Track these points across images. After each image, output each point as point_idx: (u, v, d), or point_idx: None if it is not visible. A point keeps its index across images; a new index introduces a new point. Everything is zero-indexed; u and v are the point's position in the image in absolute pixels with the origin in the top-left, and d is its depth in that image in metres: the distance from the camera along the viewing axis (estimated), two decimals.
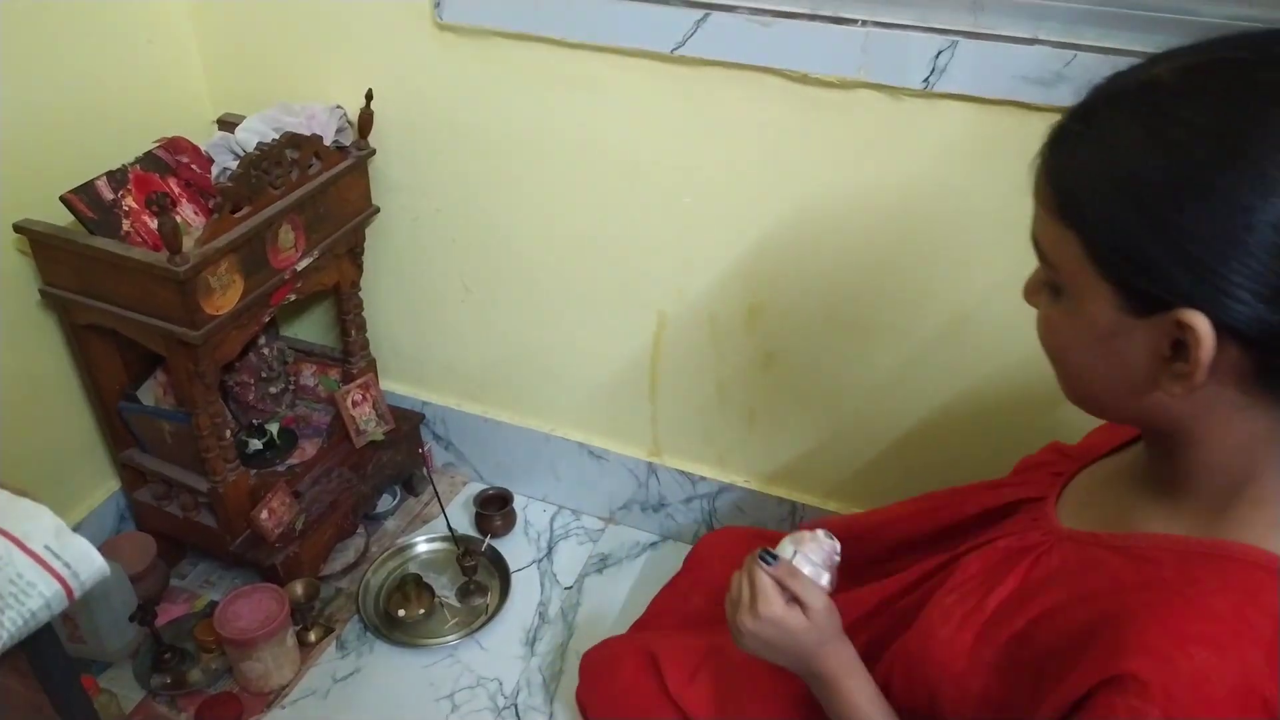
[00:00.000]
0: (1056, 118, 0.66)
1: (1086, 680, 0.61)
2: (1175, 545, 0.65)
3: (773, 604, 0.83)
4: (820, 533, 0.88)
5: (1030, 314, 0.72)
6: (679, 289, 1.46)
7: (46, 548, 0.72)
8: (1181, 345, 0.59)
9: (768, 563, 0.84)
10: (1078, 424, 0.85)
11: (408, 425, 1.72)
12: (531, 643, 1.55)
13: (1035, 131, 0.67)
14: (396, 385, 1.77)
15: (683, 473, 1.64)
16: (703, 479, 1.63)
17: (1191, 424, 0.64)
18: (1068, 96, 0.68)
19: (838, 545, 0.88)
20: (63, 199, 1.26)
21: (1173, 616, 0.59)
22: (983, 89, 1.10)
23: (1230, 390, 0.61)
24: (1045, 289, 0.68)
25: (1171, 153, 0.57)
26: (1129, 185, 0.59)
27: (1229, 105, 0.57)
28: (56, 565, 0.72)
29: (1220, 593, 0.60)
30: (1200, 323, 0.57)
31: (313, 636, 1.52)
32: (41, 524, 0.74)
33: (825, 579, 0.86)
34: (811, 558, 0.86)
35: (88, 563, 0.72)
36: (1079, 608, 0.66)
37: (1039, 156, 0.65)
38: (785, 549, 0.87)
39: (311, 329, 1.77)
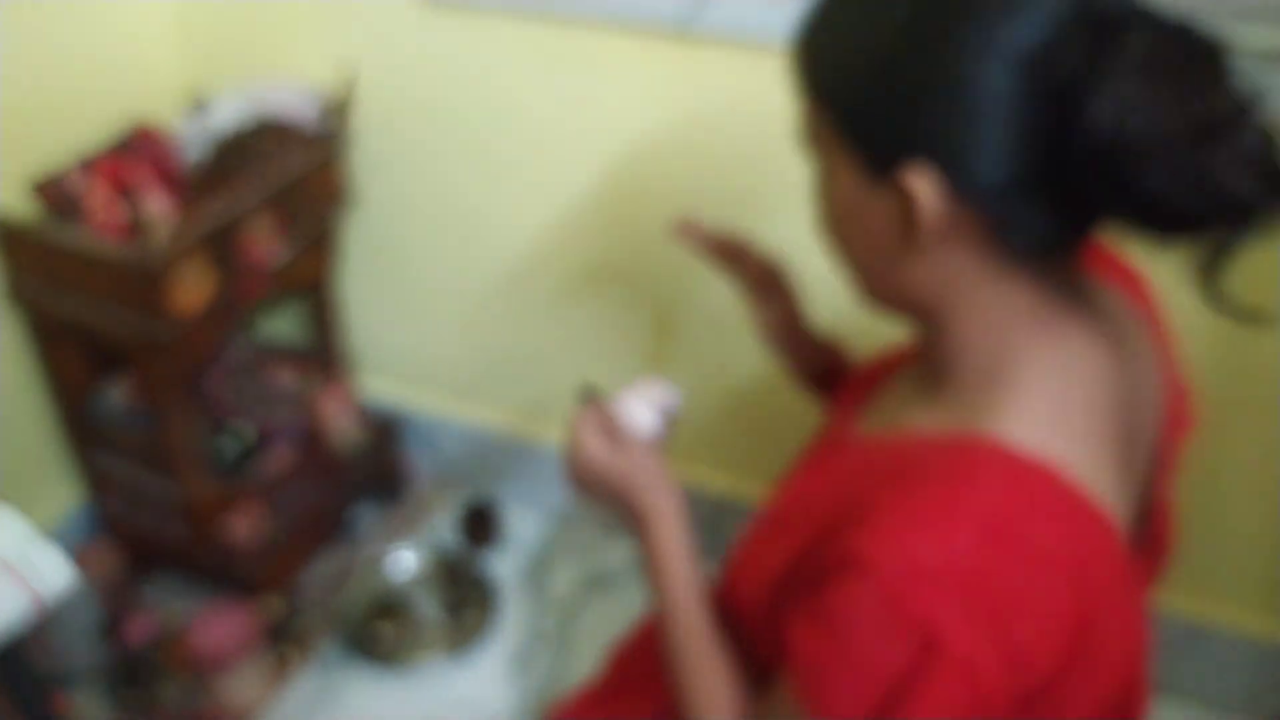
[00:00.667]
0: None
1: (824, 565, 0.64)
2: (927, 439, 0.67)
3: (588, 444, 0.82)
4: (663, 380, 0.86)
5: None
6: (678, 280, 1.41)
7: (15, 555, 0.69)
8: (916, 204, 0.62)
9: (583, 397, 0.83)
10: None
11: (389, 431, 1.66)
12: (520, 661, 1.48)
13: None
14: (377, 385, 1.72)
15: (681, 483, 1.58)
16: (704, 489, 1.57)
17: (941, 301, 0.67)
18: None
19: (679, 396, 0.87)
20: (31, 188, 1.21)
21: (907, 502, 0.61)
22: None
23: (972, 259, 0.64)
24: (819, 175, 0.71)
25: (895, 11, 0.60)
26: (862, 47, 0.62)
27: None
28: (26, 573, 0.69)
29: (940, 475, 0.62)
30: (920, 183, 0.60)
31: (287, 655, 1.46)
32: (10, 531, 0.72)
33: (650, 419, 0.84)
34: (644, 396, 0.84)
35: (56, 571, 0.69)
36: (840, 509, 0.67)
37: (791, 48, 0.68)
38: (622, 394, 0.85)
39: (287, 328, 1.71)
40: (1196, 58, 0.56)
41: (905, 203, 0.62)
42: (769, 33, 1.13)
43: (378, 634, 1.51)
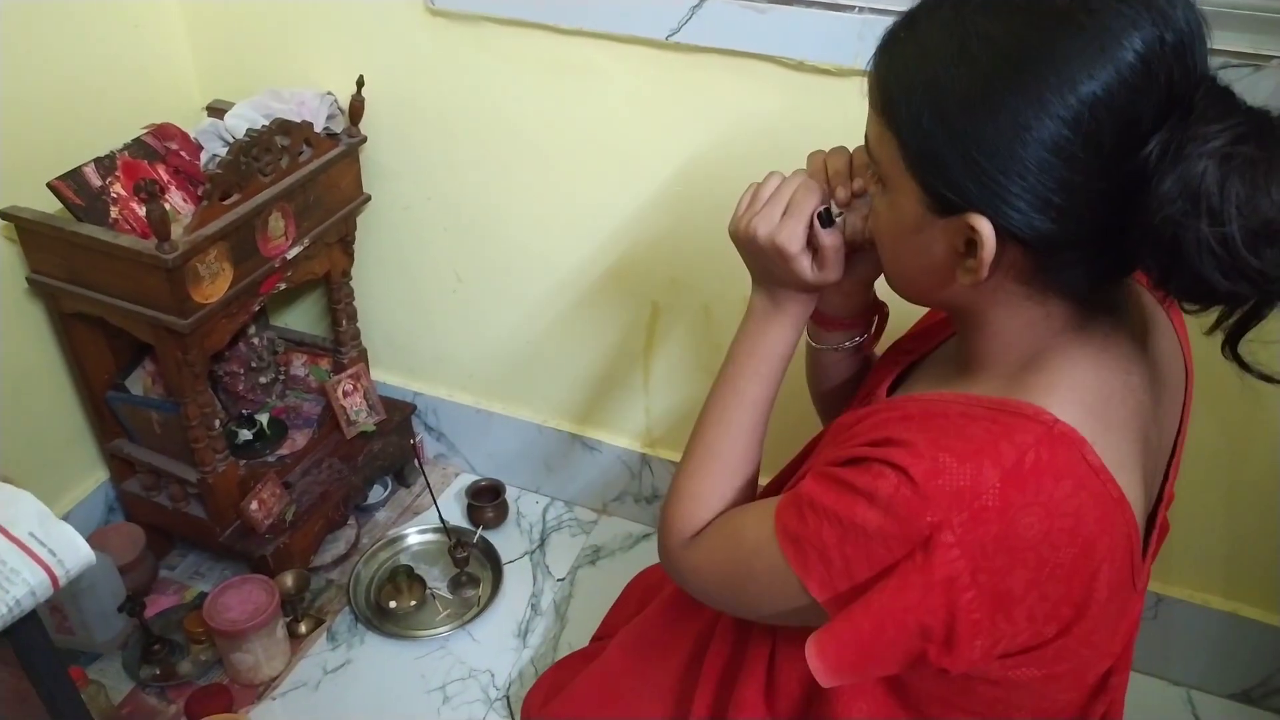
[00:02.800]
0: None
1: (856, 457, 0.69)
2: (963, 399, 0.71)
3: (795, 240, 0.80)
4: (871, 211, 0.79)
5: None
6: (672, 279, 1.45)
7: (31, 534, 0.71)
8: (972, 244, 0.65)
9: (824, 222, 0.80)
10: None
11: (399, 416, 1.71)
12: (524, 634, 1.54)
13: None
14: (388, 375, 1.76)
15: (676, 464, 1.63)
16: None
17: (984, 310, 0.71)
18: None
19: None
20: (50, 185, 1.24)
21: (944, 439, 0.65)
22: None
23: (1012, 283, 0.68)
24: (875, 182, 0.73)
25: (969, 65, 0.61)
26: (934, 92, 0.63)
27: (1024, 24, 0.60)
28: (41, 552, 0.71)
29: (983, 423, 0.66)
30: (984, 227, 0.63)
31: (303, 628, 1.51)
32: (26, 510, 0.73)
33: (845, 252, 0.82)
34: (851, 230, 0.81)
35: (73, 550, 0.71)
36: (874, 440, 0.71)
37: (871, 59, 0.69)
38: (836, 213, 0.81)
39: (302, 319, 1.76)
40: (1272, 156, 0.57)
41: (963, 238, 0.65)
42: (764, 42, 1.17)
43: (390, 608, 1.56)
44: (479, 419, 1.74)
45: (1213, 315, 0.63)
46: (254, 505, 1.45)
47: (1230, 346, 0.64)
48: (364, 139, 1.45)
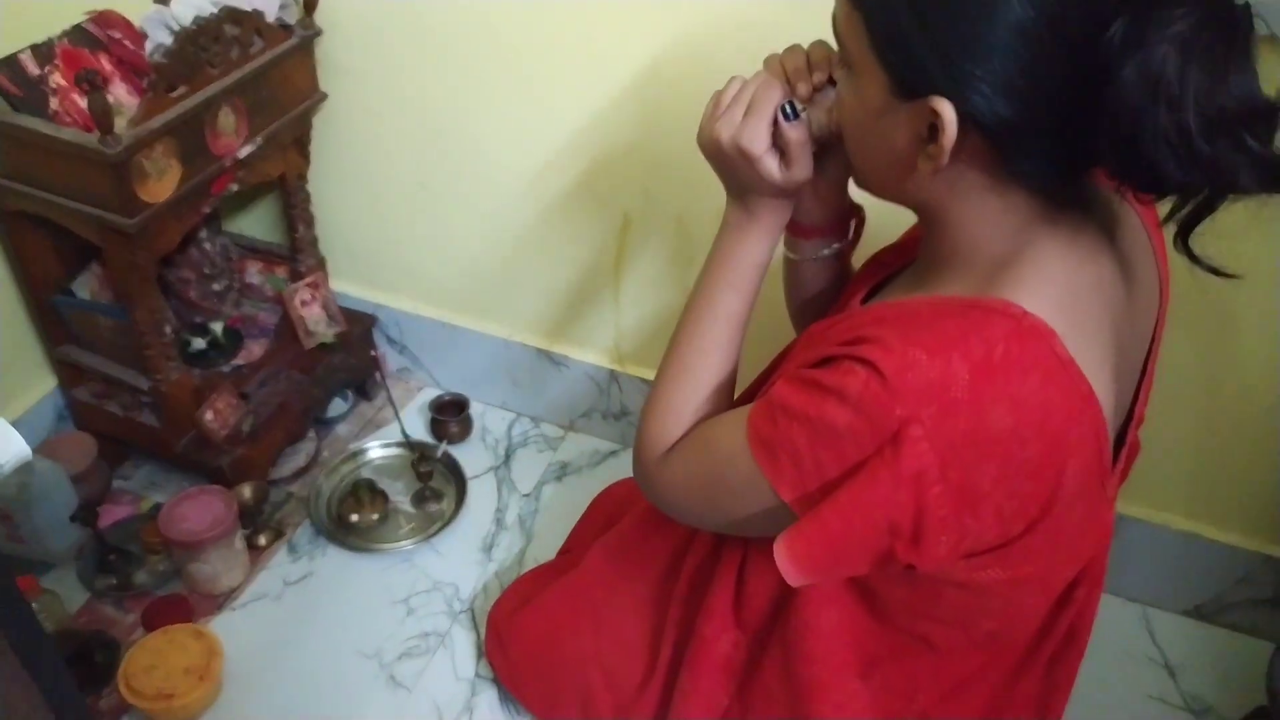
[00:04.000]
0: None
1: (829, 356, 0.69)
2: (935, 300, 0.71)
3: (759, 139, 0.79)
4: (836, 104, 0.78)
5: None
6: (645, 189, 1.41)
7: None
8: (934, 130, 0.65)
9: (787, 115, 0.78)
10: None
11: (360, 327, 1.67)
12: (488, 549, 1.53)
13: None
14: (349, 286, 1.71)
15: (646, 381, 1.61)
16: None
17: (948, 204, 0.71)
18: None
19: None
20: None
21: (915, 333, 0.65)
22: None
23: (974, 173, 0.68)
24: (841, 68, 0.74)
25: None
26: None
27: None
28: None
29: (954, 319, 0.66)
30: (946, 110, 0.63)
31: (262, 540, 1.49)
32: None
33: (813, 149, 0.81)
34: (816, 125, 0.80)
35: (5, 443, 0.68)
36: (847, 341, 0.70)
37: None
38: (799, 108, 0.79)
39: (257, 225, 1.70)
40: (1231, 45, 0.57)
41: (926, 123, 0.65)
42: None
43: (352, 521, 1.54)
44: (444, 333, 1.70)
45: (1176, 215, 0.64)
46: (209, 415, 1.42)
47: (1181, 239, 0.65)
48: (319, 32, 1.37)
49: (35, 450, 1.32)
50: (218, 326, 1.55)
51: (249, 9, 1.26)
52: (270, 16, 1.30)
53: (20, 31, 1.24)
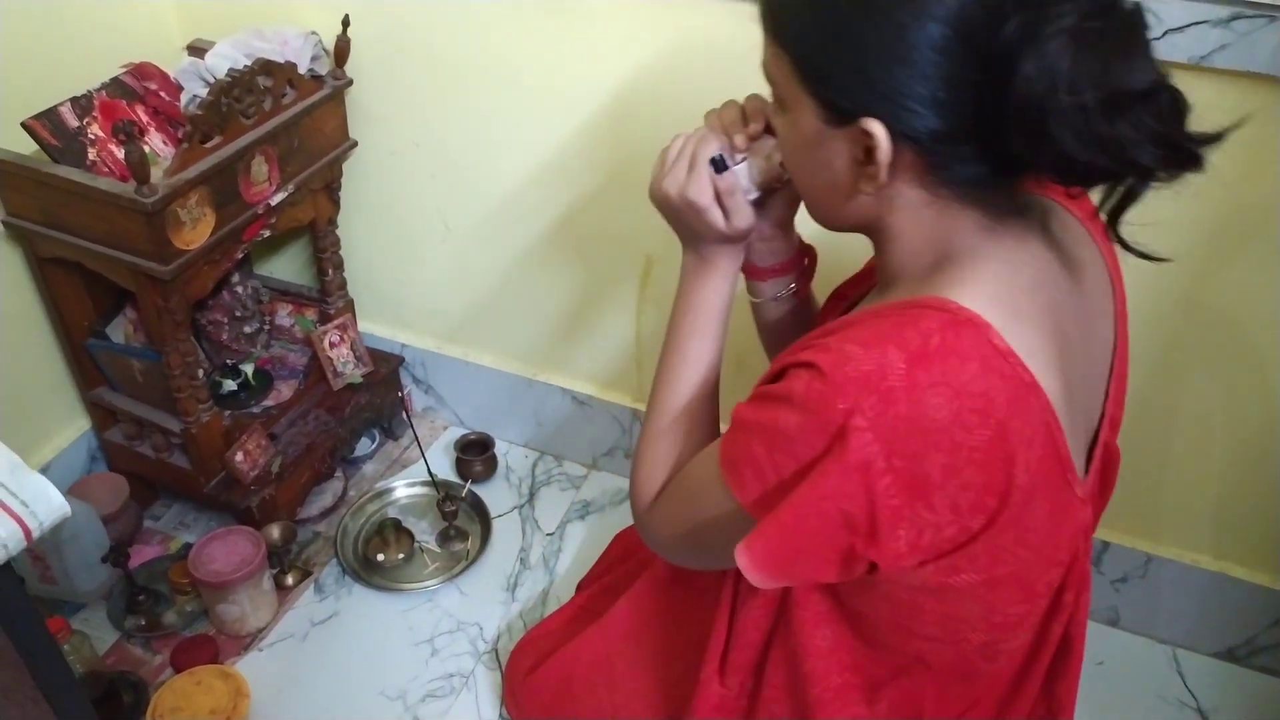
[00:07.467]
0: None
1: (776, 372, 0.72)
2: (876, 307, 0.73)
3: (703, 195, 0.84)
4: (773, 151, 0.84)
5: None
6: (666, 230, 1.41)
7: (1, 485, 0.68)
8: (870, 152, 0.68)
9: (718, 168, 0.84)
10: None
11: (386, 368, 1.69)
12: (512, 588, 1.53)
13: None
14: (375, 326, 1.74)
15: None
16: None
17: (889, 221, 0.73)
18: None
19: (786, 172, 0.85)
20: (24, 125, 1.21)
21: (854, 332, 0.68)
22: None
23: (913, 188, 0.70)
24: (777, 112, 0.76)
25: None
26: (817, 5, 0.67)
27: None
28: (13, 504, 0.69)
29: (890, 318, 0.68)
30: (877, 129, 0.66)
31: (290, 580, 1.50)
32: None
33: (754, 196, 0.87)
34: (753, 173, 0.85)
35: (45, 501, 0.69)
36: (793, 351, 0.73)
37: None
38: (737, 159, 0.85)
39: (287, 268, 1.73)
40: (1120, 32, 0.61)
41: (861, 145, 0.68)
42: None
43: (377, 560, 1.55)
44: (468, 372, 1.72)
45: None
46: (239, 456, 1.43)
47: (1111, 225, 0.69)
48: (349, 81, 1.40)
49: (67, 492, 1.34)
50: (249, 368, 1.57)
51: (282, 60, 1.29)
52: (302, 68, 1.33)
53: (60, 84, 1.28)
